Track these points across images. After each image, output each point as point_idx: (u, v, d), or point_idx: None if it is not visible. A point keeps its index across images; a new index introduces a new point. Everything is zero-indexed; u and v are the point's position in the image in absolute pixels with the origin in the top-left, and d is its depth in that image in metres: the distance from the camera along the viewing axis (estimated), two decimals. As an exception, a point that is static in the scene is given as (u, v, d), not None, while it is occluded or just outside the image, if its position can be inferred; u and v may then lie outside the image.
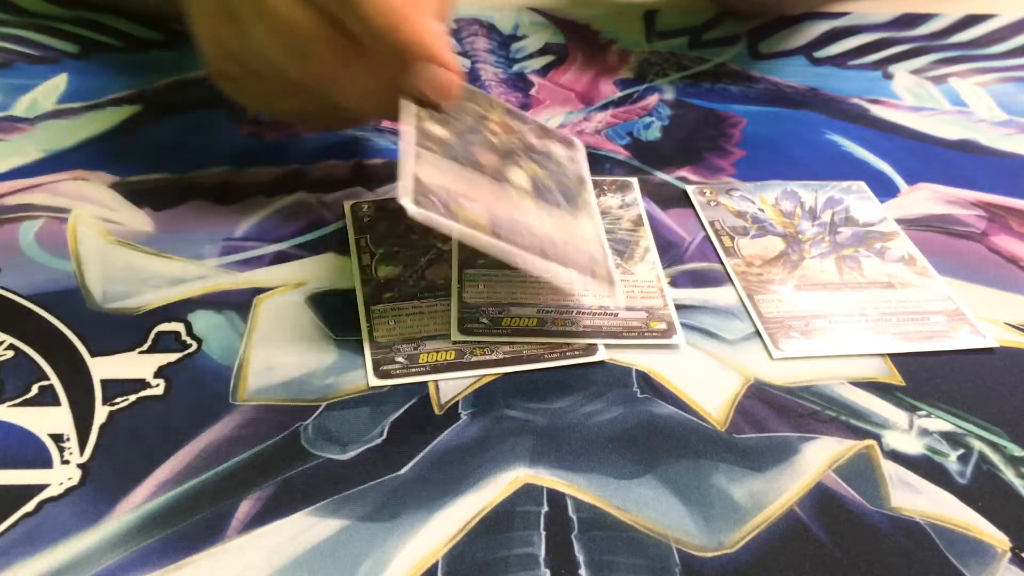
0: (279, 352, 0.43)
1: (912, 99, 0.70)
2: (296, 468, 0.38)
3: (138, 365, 0.42)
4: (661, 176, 0.59)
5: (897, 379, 0.43)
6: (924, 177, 0.60)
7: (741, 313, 0.47)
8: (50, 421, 0.39)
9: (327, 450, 0.39)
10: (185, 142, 0.60)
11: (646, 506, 0.37)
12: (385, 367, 0.42)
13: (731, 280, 0.49)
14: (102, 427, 0.39)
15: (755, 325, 0.46)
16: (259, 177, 0.57)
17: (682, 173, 0.59)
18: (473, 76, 0.70)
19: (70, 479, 0.37)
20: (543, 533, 0.35)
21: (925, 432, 0.41)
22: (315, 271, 0.49)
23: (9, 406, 0.40)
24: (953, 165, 0.61)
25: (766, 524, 0.36)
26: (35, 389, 0.41)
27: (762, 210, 0.53)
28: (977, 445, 0.40)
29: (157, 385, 0.41)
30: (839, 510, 0.37)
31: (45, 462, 0.38)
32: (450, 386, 0.42)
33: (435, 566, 0.34)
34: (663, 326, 0.45)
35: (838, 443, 0.40)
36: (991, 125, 0.66)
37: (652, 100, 0.68)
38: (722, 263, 0.50)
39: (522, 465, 0.38)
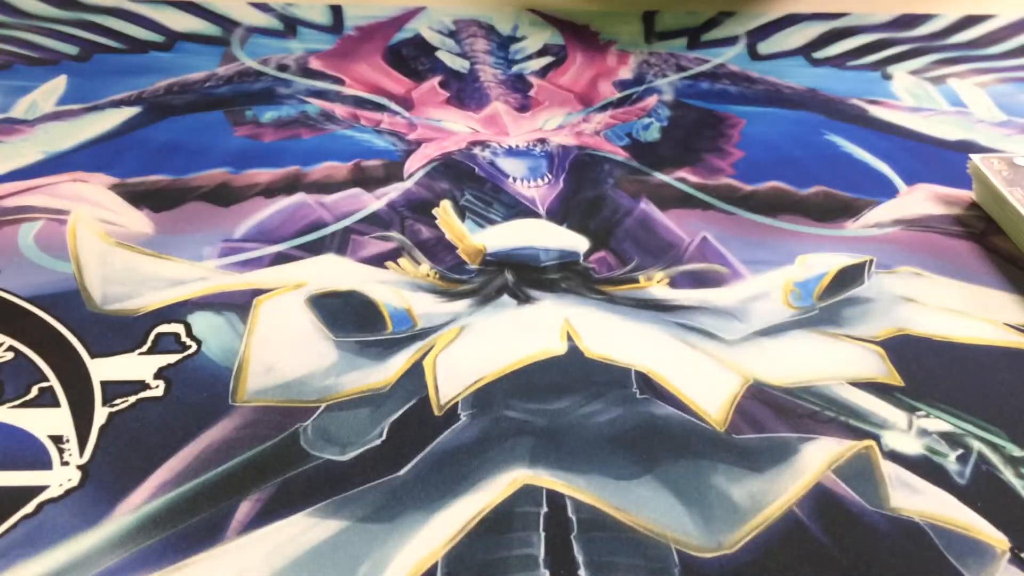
0: (278, 353, 0.43)
1: (911, 99, 0.70)
2: (295, 469, 0.38)
3: (138, 366, 0.42)
4: (660, 177, 0.59)
5: (896, 379, 0.43)
6: (923, 177, 0.60)
7: (740, 313, 0.47)
8: (50, 422, 0.39)
9: (326, 451, 0.39)
10: (184, 144, 0.60)
11: (645, 507, 0.37)
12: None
13: None
14: (102, 428, 0.39)
15: None
16: (258, 178, 0.57)
17: (681, 174, 0.59)
18: (472, 77, 0.70)
19: (70, 480, 0.37)
20: (542, 534, 0.35)
21: (924, 432, 0.41)
22: (315, 272, 0.49)
23: (9, 407, 0.40)
24: (952, 165, 0.61)
25: (765, 524, 0.36)
26: (35, 390, 0.41)
27: None
28: (976, 445, 0.40)
29: (157, 386, 0.41)
30: (838, 510, 0.37)
31: (45, 463, 0.38)
32: (450, 387, 0.42)
33: (435, 567, 0.34)
34: None
35: (837, 443, 0.40)
36: (990, 125, 0.66)
37: (651, 101, 0.68)
38: None
39: (521, 466, 0.38)
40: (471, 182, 0.57)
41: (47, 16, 0.76)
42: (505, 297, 0.48)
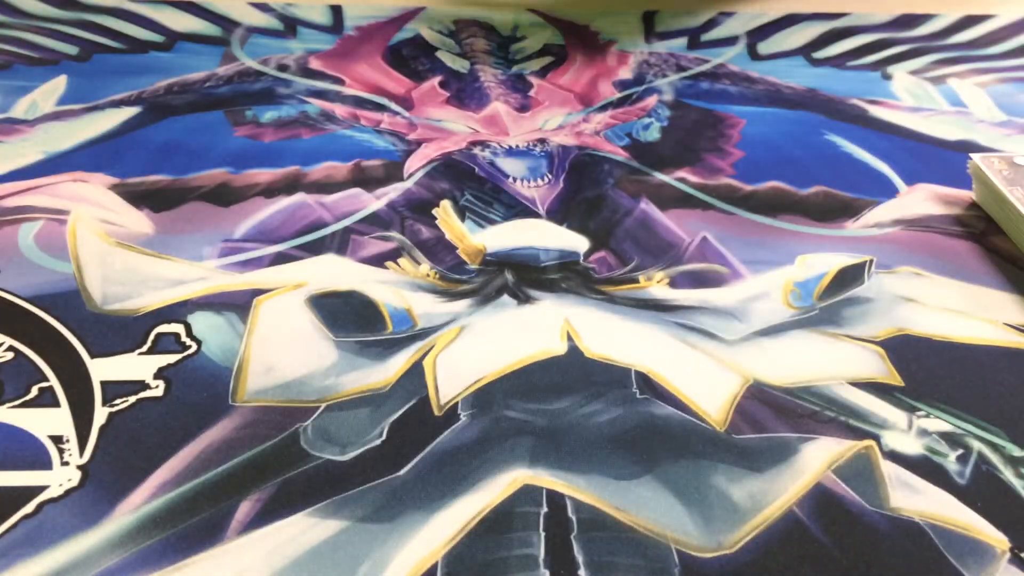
0: (278, 353, 0.43)
1: (911, 99, 0.70)
2: (295, 469, 0.38)
3: (138, 366, 0.42)
4: (660, 177, 0.59)
5: (896, 379, 0.43)
6: (923, 177, 0.60)
7: (740, 313, 0.47)
8: (50, 423, 0.39)
9: (326, 451, 0.39)
10: (184, 144, 0.60)
11: (645, 507, 0.37)
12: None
13: None
14: (102, 428, 0.39)
15: None
16: (258, 178, 0.57)
17: (681, 174, 0.59)
18: (472, 77, 0.70)
19: (70, 480, 0.37)
20: (542, 534, 0.35)
21: (924, 432, 0.41)
22: (314, 272, 0.49)
23: (9, 407, 0.40)
24: (952, 165, 0.61)
25: (765, 524, 0.36)
26: (35, 391, 0.41)
27: None
28: (976, 445, 0.40)
29: (157, 386, 0.41)
30: (838, 510, 0.37)
31: (45, 464, 0.38)
32: (450, 387, 0.42)
33: (434, 567, 0.34)
34: None
35: (837, 443, 0.40)
36: (990, 125, 0.66)
37: (651, 101, 0.68)
38: None
39: (521, 466, 0.38)
40: (471, 182, 0.57)
41: (47, 16, 0.76)
42: (505, 297, 0.48)
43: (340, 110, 0.65)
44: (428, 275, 0.49)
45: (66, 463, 0.38)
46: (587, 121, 0.65)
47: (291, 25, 0.77)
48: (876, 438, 0.40)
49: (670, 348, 0.45)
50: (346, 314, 0.46)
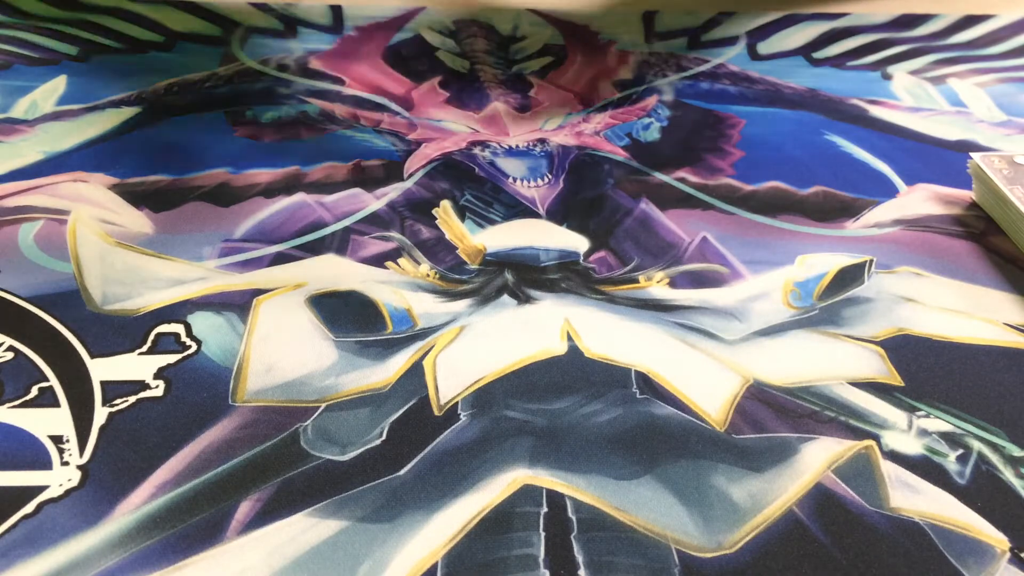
0: (279, 353, 0.43)
1: (911, 99, 0.70)
2: (295, 469, 0.38)
3: (138, 366, 0.42)
4: (660, 177, 0.59)
5: (896, 379, 0.43)
6: (923, 177, 0.60)
7: (740, 313, 0.47)
8: (50, 422, 0.39)
9: (326, 451, 0.39)
10: (184, 144, 0.60)
11: (645, 507, 0.37)
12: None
13: None
14: (101, 428, 0.39)
15: None
16: (258, 178, 0.57)
17: (681, 174, 0.59)
18: (472, 77, 0.70)
19: (70, 480, 0.37)
20: (542, 534, 0.35)
21: (924, 432, 0.41)
22: (314, 272, 0.49)
23: (9, 407, 0.40)
24: (952, 165, 0.61)
25: (765, 524, 0.36)
26: (35, 391, 0.41)
27: None
28: (976, 445, 0.40)
29: (157, 386, 0.41)
30: (838, 510, 0.37)
31: (45, 463, 0.38)
32: (450, 387, 0.42)
33: (434, 567, 0.34)
34: None
35: (837, 443, 0.40)
36: (990, 125, 0.66)
37: (651, 101, 0.68)
38: None
39: (521, 466, 0.38)
40: (471, 182, 0.57)
41: (47, 16, 0.76)
42: (505, 297, 0.48)
43: (340, 110, 0.65)
44: (428, 275, 0.49)
45: (66, 463, 0.38)
46: (587, 121, 0.65)
47: (291, 25, 0.77)
48: (876, 438, 0.40)
49: (670, 348, 0.45)
50: (346, 314, 0.46)
